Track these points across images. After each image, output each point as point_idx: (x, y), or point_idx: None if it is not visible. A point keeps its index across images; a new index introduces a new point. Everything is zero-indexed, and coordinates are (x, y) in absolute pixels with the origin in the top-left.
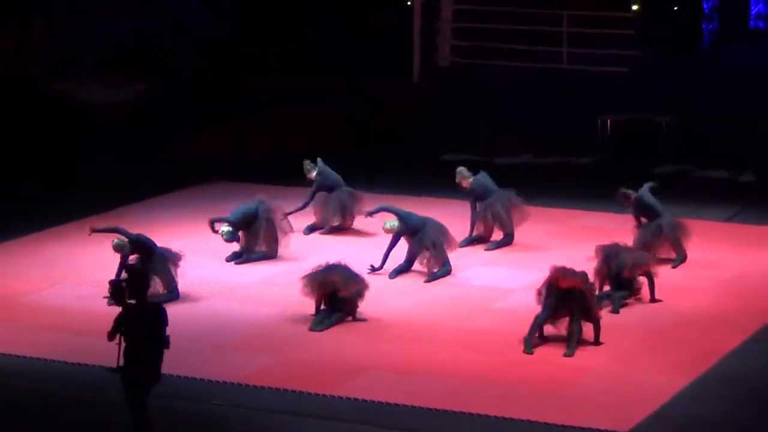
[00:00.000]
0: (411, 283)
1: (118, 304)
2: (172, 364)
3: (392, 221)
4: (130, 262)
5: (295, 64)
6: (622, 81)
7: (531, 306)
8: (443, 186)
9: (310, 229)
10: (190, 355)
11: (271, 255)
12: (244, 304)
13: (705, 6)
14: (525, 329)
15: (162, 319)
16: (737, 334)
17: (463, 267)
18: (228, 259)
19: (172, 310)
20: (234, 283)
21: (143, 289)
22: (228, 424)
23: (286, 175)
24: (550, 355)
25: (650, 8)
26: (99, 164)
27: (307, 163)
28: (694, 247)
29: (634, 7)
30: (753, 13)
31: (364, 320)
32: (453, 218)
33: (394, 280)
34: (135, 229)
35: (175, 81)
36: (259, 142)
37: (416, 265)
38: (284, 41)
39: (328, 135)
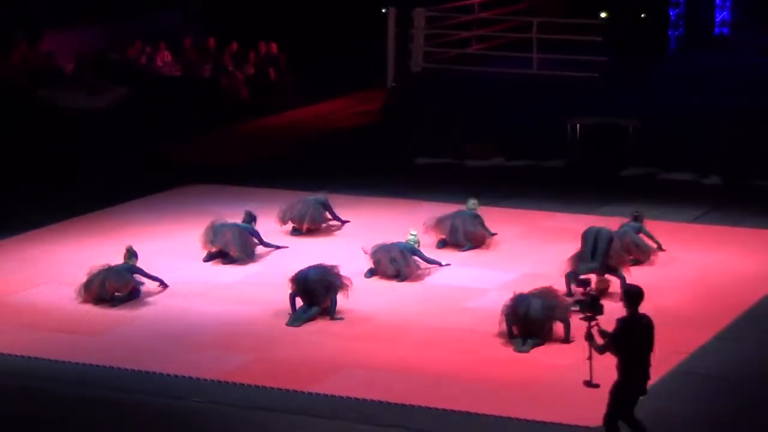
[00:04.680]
0: (385, 283)
1: (590, 317)
2: (155, 362)
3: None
4: None
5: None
6: (591, 86)
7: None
8: (417, 188)
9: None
10: (171, 352)
11: (248, 256)
12: (224, 303)
13: (671, 13)
14: (497, 328)
15: (653, 330)
16: (703, 332)
17: (437, 267)
18: (205, 260)
19: (156, 310)
20: (214, 283)
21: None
22: (208, 420)
23: (261, 178)
24: (521, 354)
25: (618, 15)
26: (81, 167)
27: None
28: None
29: (602, 14)
30: (717, 20)
31: (341, 319)
32: (424, 219)
33: (370, 279)
34: (117, 230)
35: (154, 86)
36: (235, 147)
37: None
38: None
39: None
